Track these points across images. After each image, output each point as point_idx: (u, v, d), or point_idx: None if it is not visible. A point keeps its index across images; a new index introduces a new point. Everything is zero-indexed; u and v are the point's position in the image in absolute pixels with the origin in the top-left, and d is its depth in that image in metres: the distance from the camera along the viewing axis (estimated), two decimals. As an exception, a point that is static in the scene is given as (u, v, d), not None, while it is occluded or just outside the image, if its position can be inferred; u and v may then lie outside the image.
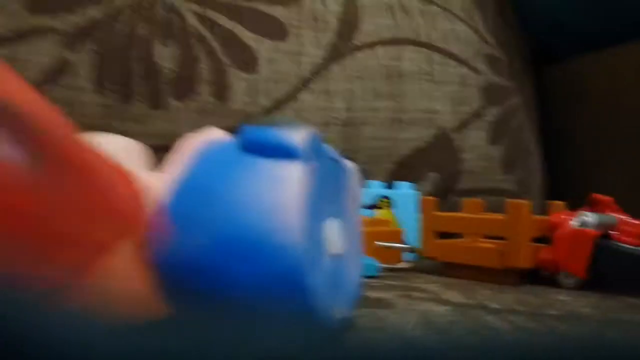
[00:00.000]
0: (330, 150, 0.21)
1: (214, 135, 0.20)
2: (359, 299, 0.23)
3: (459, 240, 0.40)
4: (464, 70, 0.61)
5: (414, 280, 0.35)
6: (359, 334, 0.22)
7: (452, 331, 0.23)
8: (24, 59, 0.48)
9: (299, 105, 0.54)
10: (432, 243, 0.38)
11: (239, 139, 0.19)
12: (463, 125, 0.60)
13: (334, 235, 0.20)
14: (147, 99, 0.50)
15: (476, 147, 0.60)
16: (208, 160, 0.18)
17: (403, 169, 0.57)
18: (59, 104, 0.49)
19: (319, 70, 0.55)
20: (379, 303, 0.27)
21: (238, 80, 0.53)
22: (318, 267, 0.18)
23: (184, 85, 0.51)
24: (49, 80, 0.48)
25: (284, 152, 0.18)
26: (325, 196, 0.20)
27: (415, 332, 0.23)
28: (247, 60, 0.53)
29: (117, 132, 0.52)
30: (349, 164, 0.22)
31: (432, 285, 0.33)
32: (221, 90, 0.52)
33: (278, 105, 0.53)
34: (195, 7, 0.53)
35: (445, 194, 0.57)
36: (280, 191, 0.17)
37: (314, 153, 0.19)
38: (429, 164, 0.58)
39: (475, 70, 0.62)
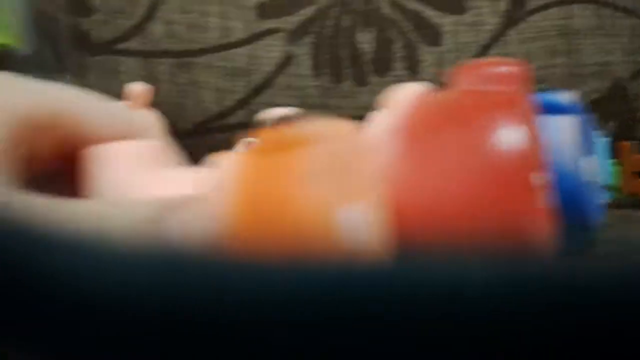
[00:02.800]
0: (580, 106, 0.28)
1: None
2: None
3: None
4: (634, 21, 0.64)
5: (621, 210, 0.41)
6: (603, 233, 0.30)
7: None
8: (260, 55, 0.60)
9: (480, 71, 0.61)
10: (632, 181, 0.44)
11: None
12: (637, 74, 0.63)
13: (589, 165, 0.28)
14: (354, 78, 0.61)
15: (650, 93, 0.63)
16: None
17: (582, 120, 0.62)
18: (286, 89, 0.61)
19: (497, 37, 0.62)
20: (603, 222, 0.35)
21: (426, 54, 0.61)
22: (586, 187, 0.26)
23: (383, 64, 0.61)
24: (278, 71, 0.60)
25: (561, 110, 0.26)
26: (582, 139, 0.28)
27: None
28: (433, 36, 0.61)
29: (331, 108, 0.63)
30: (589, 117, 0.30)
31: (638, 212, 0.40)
32: (413, 65, 0.61)
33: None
34: (388, -4, 0.62)
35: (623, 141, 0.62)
36: (563, 135, 0.26)
37: (575, 109, 0.27)
38: (607, 114, 0.62)
39: (647, 19, 0.64)
